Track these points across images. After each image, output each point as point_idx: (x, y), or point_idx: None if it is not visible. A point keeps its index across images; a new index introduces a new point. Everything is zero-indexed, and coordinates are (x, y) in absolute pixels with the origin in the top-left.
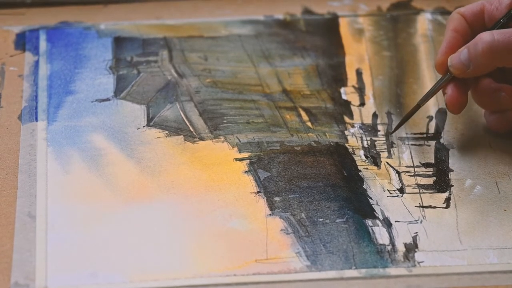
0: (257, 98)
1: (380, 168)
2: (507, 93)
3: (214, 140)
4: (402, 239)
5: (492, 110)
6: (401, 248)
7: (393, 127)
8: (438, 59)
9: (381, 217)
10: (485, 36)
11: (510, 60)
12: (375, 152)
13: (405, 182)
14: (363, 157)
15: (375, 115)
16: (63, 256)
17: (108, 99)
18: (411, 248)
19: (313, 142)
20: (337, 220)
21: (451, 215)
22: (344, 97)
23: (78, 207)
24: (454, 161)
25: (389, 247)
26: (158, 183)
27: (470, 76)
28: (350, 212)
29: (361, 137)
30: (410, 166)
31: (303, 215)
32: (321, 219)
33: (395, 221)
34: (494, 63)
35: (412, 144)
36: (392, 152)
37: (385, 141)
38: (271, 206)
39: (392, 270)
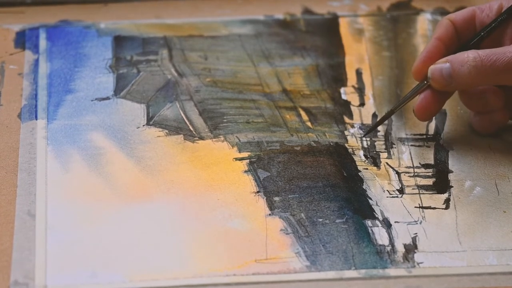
0: (257, 97)
1: (379, 168)
2: (494, 94)
3: (214, 139)
4: (401, 240)
5: (479, 111)
6: (400, 249)
7: (393, 127)
8: (416, 66)
9: (380, 217)
10: (472, 57)
11: (495, 81)
12: (374, 152)
13: (404, 183)
14: (363, 158)
15: (375, 116)
16: (62, 255)
17: (108, 98)
18: (411, 249)
19: (313, 142)
20: (337, 221)
21: (450, 216)
22: (344, 97)
23: (77, 205)
24: (453, 162)
25: (388, 248)
26: (158, 182)
27: (449, 91)
28: (350, 213)
29: (361, 137)
30: (409, 167)
31: (302, 215)
32: (320, 219)
33: (395, 222)
34: (479, 83)
35: (411, 145)
36: (391, 153)
37: (384, 142)
38: (271, 206)
39: (391, 271)
